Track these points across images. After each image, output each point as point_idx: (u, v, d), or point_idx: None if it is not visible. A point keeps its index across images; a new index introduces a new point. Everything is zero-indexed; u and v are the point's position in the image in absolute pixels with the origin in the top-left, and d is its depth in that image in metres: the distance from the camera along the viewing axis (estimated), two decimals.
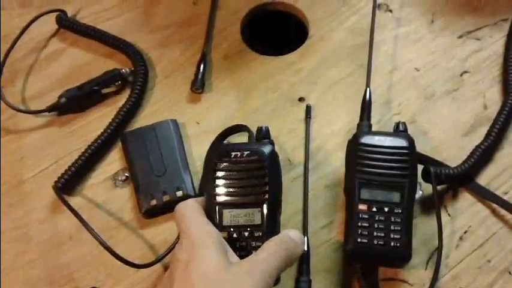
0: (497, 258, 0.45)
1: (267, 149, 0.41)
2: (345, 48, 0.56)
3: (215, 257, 0.36)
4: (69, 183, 0.50)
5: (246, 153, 0.41)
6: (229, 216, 0.40)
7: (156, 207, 0.48)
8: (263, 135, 0.44)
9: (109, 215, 0.49)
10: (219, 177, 0.40)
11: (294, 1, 0.60)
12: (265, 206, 0.40)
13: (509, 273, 0.44)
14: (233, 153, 0.41)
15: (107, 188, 0.50)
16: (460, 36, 0.56)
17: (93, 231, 0.46)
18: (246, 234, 0.40)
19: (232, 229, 0.40)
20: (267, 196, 0.40)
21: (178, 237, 0.46)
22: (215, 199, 0.40)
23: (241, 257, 0.38)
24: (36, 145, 0.53)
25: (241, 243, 0.40)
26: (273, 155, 0.42)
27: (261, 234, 0.39)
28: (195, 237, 0.38)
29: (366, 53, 0.52)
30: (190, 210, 0.40)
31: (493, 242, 0.45)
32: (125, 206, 0.49)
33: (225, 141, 0.49)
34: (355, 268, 0.44)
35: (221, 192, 0.40)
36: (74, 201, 0.49)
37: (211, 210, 0.40)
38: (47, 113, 0.54)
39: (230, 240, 0.40)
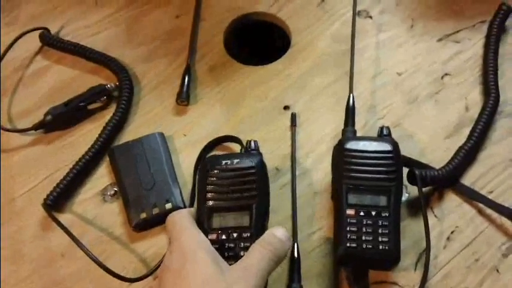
0: (486, 257, 0.46)
1: (255, 158, 0.45)
2: (329, 55, 0.58)
3: (210, 265, 0.38)
4: (58, 200, 0.51)
5: (236, 161, 0.44)
6: (219, 220, 0.43)
7: (146, 220, 0.49)
8: (252, 148, 0.48)
9: (100, 230, 0.50)
10: (210, 184, 0.43)
11: (275, 11, 0.61)
12: (253, 208, 0.42)
13: (497, 271, 0.45)
14: (223, 162, 0.44)
15: (97, 203, 0.51)
16: (440, 40, 0.58)
17: (84, 248, 0.46)
18: (235, 235, 0.42)
19: (220, 231, 0.42)
20: (255, 200, 0.43)
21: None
22: (206, 204, 0.43)
23: (230, 257, 0.41)
24: (26, 163, 0.54)
25: (230, 244, 0.42)
26: (261, 163, 0.45)
27: (249, 235, 0.42)
28: (186, 245, 0.39)
29: (349, 59, 0.53)
30: (183, 219, 0.42)
31: (480, 241, 0.47)
32: (115, 221, 0.50)
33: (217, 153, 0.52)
34: (345, 273, 0.45)
35: (212, 197, 0.43)
36: (64, 217, 0.50)
37: (202, 215, 0.43)
38: (33, 131, 0.55)
39: (219, 242, 0.42)
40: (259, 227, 0.43)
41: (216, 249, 0.41)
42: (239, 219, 0.42)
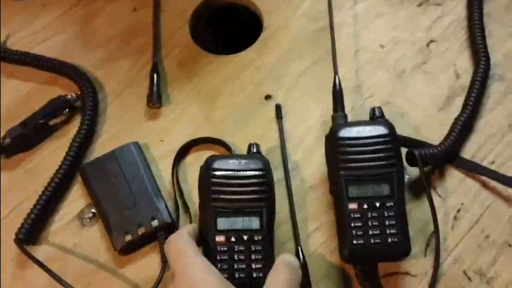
0: (496, 233, 0.42)
1: (263, 160, 0.41)
2: (305, 35, 0.51)
3: None
4: (32, 233, 0.44)
5: (243, 162, 0.40)
6: (226, 222, 0.39)
7: (132, 242, 0.42)
8: (255, 151, 0.43)
9: (83, 259, 0.43)
10: (216, 184, 0.39)
11: None
12: (264, 212, 0.39)
13: (510, 246, 0.41)
14: (231, 161, 0.40)
15: (75, 230, 0.44)
16: (420, 4, 0.51)
17: (67, 285, 0.40)
18: (245, 237, 0.38)
19: (229, 233, 0.38)
20: (266, 203, 0.39)
21: (162, 270, 0.40)
22: (213, 205, 0.39)
23: (240, 261, 0.37)
24: None
25: (240, 247, 0.38)
26: (268, 164, 0.41)
27: (260, 238, 0.38)
28: (196, 279, 0.34)
29: (327, 37, 0.47)
30: (186, 245, 0.36)
31: (488, 216, 0.42)
32: (98, 246, 0.44)
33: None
34: (354, 270, 0.40)
35: (218, 198, 0.39)
36: (42, 250, 0.43)
37: (207, 216, 0.39)
38: None
39: (228, 243, 0.38)
40: (269, 229, 0.39)
41: (225, 252, 0.37)
42: (248, 222, 0.39)
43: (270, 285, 0.35)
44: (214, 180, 0.39)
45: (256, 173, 0.40)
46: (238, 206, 0.39)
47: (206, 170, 0.40)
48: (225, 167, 0.40)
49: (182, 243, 0.36)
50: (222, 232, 0.38)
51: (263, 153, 0.43)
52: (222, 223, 0.38)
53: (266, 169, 0.40)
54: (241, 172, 0.39)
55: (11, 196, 0.46)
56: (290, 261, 0.36)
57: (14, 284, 0.42)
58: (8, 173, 0.47)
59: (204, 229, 0.39)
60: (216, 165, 0.40)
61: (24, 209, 0.44)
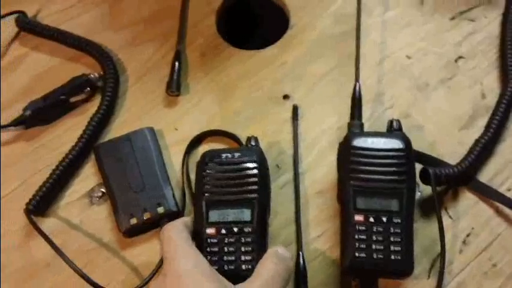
0: (504, 262, 0.39)
1: (256, 152, 0.40)
2: (330, 37, 0.48)
3: None
4: (41, 204, 0.43)
5: (237, 154, 0.39)
6: (218, 214, 0.38)
7: (136, 226, 0.41)
8: (252, 144, 0.42)
9: (87, 236, 0.42)
10: (210, 177, 0.39)
11: None
12: (255, 203, 0.38)
13: None
14: (224, 155, 0.39)
15: (83, 207, 0.43)
16: (453, 18, 0.48)
17: (68, 259, 0.39)
18: (236, 229, 0.37)
19: (220, 225, 0.37)
20: (257, 194, 0.38)
21: (161, 261, 0.39)
22: (205, 197, 0.38)
23: (229, 253, 0.36)
24: (4, 163, 0.45)
25: (230, 239, 0.37)
26: (263, 156, 0.41)
27: (250, 230, 0.37)
28: (183, 268, 0.32)
29: (352, 41, 0.44)
30: (179, 235, 0.35)
31: (498, 244, 0.39)
32: (103, 225, 0.43)
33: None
34: (353, 282, 0.38)
35: (212, 190, 0.38)
36: (48, 223, 0.43)
37: (199, 209, 0.38)
38: (12, 128, 0.46)
39: (218, 236, 0.37)
40: (261, 222, 0.38)
41: (215, 244, 0.36)
42: (240, 214, 0.37)
43: (257, 275, 0.33)
44: (206, 173, 0.39)
45: (248, 164, 0.39)
46: (230, 199, 0.38)
47: (200, 164, 0.40)
48: (217, 160, 0.39)
49: (175, 233, 0.35)
50: (212, 224, 0.37)
51: (262, 148, 0.41)
52: (214, 215, 0.38)
53: (259, 161, 0.39)
54: (233, 165, 0.39)
55: (24, 167, 0.45)
56: (280, 252, 0.35)
57: (17, 253, 0.42)
58: (24, 145, 0.46)
59: (196, 222, 0.38)
60: (209, 158, 0.39)
61: (35, 181, 0.43)
